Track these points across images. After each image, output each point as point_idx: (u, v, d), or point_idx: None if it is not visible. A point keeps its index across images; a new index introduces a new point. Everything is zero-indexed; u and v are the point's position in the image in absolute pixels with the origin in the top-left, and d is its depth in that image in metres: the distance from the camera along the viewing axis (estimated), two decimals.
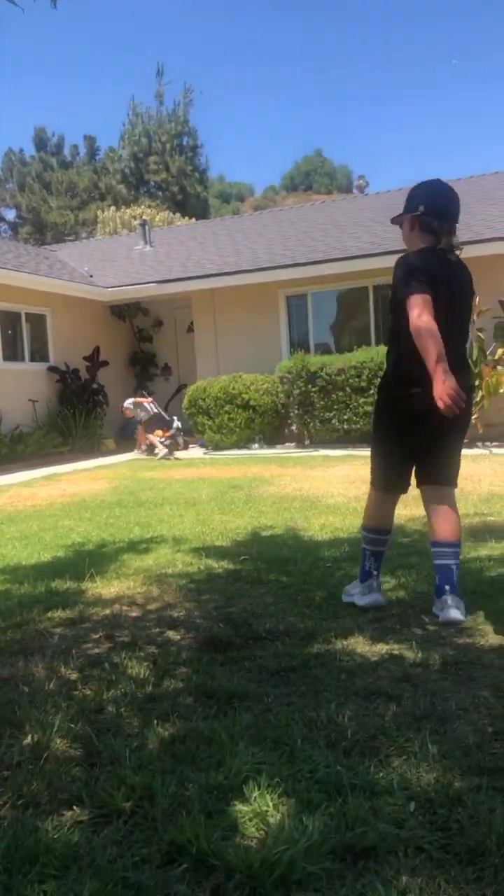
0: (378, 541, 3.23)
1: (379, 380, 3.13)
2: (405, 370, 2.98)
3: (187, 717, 2.18)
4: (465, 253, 3.19)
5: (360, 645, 2.77)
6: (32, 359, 12.74)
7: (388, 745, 1.97)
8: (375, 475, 3.26)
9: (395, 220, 3.19)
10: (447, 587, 2.98)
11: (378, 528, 3.23)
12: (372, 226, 13.37)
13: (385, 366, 3.22)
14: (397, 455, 3.15)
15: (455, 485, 3.17)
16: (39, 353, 12.95)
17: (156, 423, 11.73)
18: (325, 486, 6.95)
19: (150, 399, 12.49)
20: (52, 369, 12.91)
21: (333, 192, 52.12)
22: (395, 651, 2.69)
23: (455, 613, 2.91)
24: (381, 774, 1.82)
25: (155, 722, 2.15)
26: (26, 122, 72.85)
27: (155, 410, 12.04)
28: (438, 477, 3.13)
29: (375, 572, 3.21)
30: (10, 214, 34.46)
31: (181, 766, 1.89)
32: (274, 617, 3.14)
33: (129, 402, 12.28)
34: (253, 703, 2.28)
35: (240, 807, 1.70)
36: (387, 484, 3.21)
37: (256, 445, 11.84)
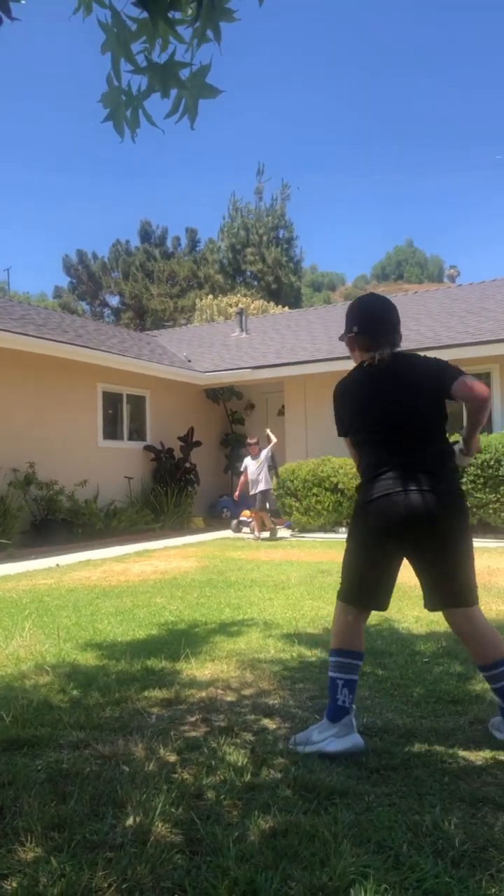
0: (352, 666, 2.75)
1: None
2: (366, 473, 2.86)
3: (287, 811, 2.15)
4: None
5: (464, 747, 2.67)
6: (130, 437, 13.25)
7: (499, 859, 1.88)
8: (344, 585, 2.88)
9: (340, 339, 3.13)
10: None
11: (354, 651, 2.77)
12: (465, 315, 13.45)
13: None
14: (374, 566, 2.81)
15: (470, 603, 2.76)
16: (137, 433, 13.46)
17: (261, 497, 11.46)
18: (412, 577, 6.78)
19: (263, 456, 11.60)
20: (148, 448, 13.37)
21: (424, 282, 52.80)
22: (502, 756, 2.57)
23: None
24: (493, 890, 1.73)
25: (255, 813, 2.13)
26: (134, 216, 78.11)
27: (266, 486, 11.49)
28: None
29: (351, 706, 2.70)
30: (114, 301, 36.58)
31: (284, 862, 1.86)
32: (371, 712, 3.07)
33: (254, 467, 11.41)
34: (353, 801, 2.23)
35: None
36: (366, 598, 2.83)
37: (343, 529, 11.74)
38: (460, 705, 3.15)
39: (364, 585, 2.82)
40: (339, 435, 3.09)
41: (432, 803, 2.20)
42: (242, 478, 11.74)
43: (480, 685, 3.40)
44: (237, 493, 11.94)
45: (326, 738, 2.62)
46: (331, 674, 2.76)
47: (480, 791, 2.29)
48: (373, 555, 2.78)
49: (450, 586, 2.75)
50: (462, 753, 2.62)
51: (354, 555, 2.86)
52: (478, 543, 9.26)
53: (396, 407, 2.77)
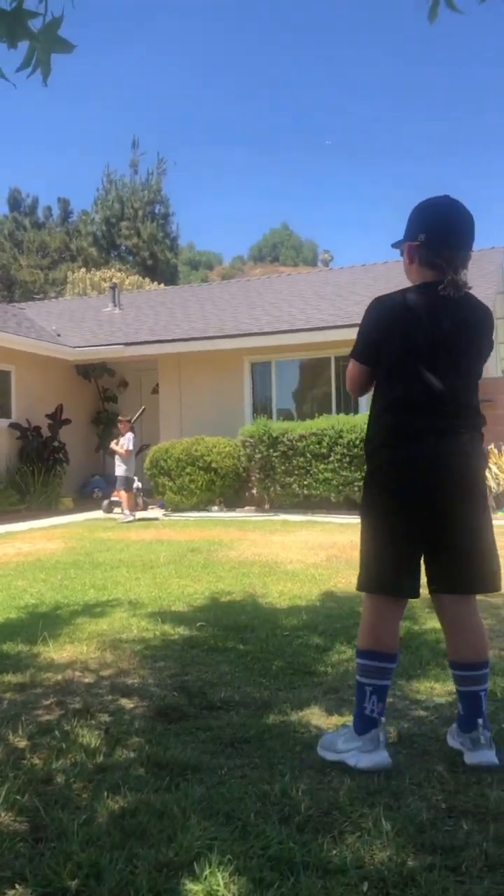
0: (384, 671, 2.34)
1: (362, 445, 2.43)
2: (391, 420, 2.38)
3: (138, 789, 2.13)
4: None
5: (317, 717, 2.75)
6: None
7: (341, 821, 1.95)
8: (378, 574, 2.38)
9: (395, 245, 2.57)
10: (479, 721, 2.32)
11: (384, 653, 2.34)
12: (336, 299, 13.81)
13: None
14: (404, 540, 2.35)
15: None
16: (1, 409, 12.86)
17: (122, 482, 11.32)
18: (284, 552, 6.95)
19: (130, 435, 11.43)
20: (13, 426, 12.82)
21: (299, 265, 53.80)
22: (351, 723, 2.67)
23: (489, 755, 2.28)
24: (334, 852, 1.79)
25: (105, 794, 2.09)
26: (1, 183, 74.37)
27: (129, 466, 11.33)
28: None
29: (381, 718, 2.32)
30: None
31: (131, 841, 1.84)
32: (230, 686, 3.10)
33: (129, 440, 11.28)
34: (206, 776, 2.24)
35: (190, 885, 1.65)
36: (398, 584, 2.36)
37: (216, 508, 11.82)
38: (316, 676, 3.24)
39: (397, 567, 2.35)
40: (361, 361, 2.51)
41: (282, 772, 2.25)
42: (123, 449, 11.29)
43: (336, 656, 3.52)
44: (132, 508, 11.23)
45: (351, 750, 2.30)
46: (358, 678, 2.37)
47: None
48: (404, 527, 2.33)
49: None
50: (315, 722, 2.70)
51: (381, 530, 2.37)
52: (346, 519, 9.61)
53: (459, 355, 2.34)
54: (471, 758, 2.29)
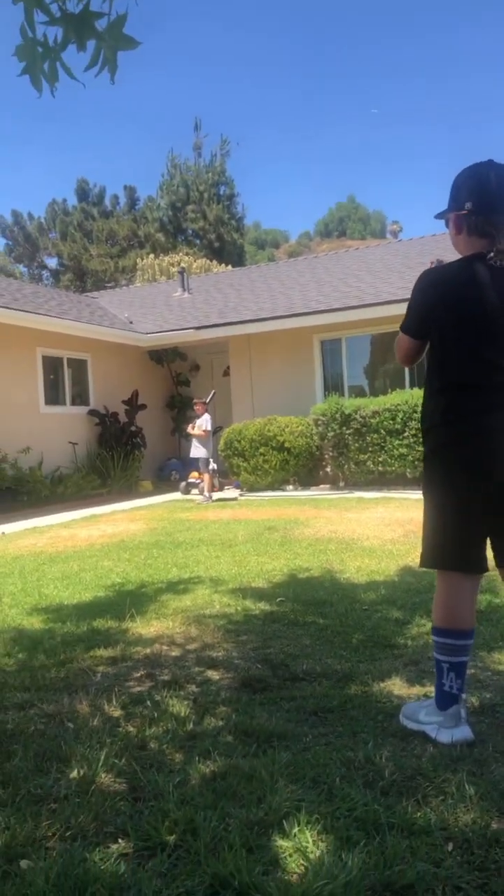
0: (460, 648, 2.34)
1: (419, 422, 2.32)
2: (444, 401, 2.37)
3: (228, 755, 2.24)
4: None
5: (398, 687, 2.80)
6: (73, 402, 13.07)
7: (425, 786, 2.00)
8: (434, 552, 2.41)
9: (439, 216, 2.52)
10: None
11: (458, 630, 2.34)
12: (404, 271, 13.55)
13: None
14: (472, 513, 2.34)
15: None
16: (80, 397, 13.28)
17: (202, 464, 11.56)
18: (360, 529, 6.97)
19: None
20: (91, 413, 13.22)
21: (367, 238, 52.82)
22: (432, 693, 2.71)
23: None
24: (418, 814, 1.85)
25: (196, 759, 2.21)
26: (70, 173, 75.75)
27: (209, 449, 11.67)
28: None
29: (461, 694, 2.33)
30: (53, 262, 35.62)
31: (223, 802, 1.94)
32: (311, 658, 3.18)
33: (207, 421, 11.56)
34: (291, 743, 2.32)
35: (280, 842, 1.74)
36: (465, 559, 2.35)
37: (291, 487, 11.90)
38: (397, 649, 3.29)
39: (464, 542, 2.35)
40: (410, 335, 2.48)
41: (365, 740, 2.31)
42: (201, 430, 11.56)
43: (416, 629, 3.55)
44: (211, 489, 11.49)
45: (433, 724, 2.33)
46: (435, 655, 2.38)
47: None
48: (468, 502, 2.32)
49: None
50: (397, 692, 2.75)
51: (446, 506, 2.37)
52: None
53: None
54: (454, 737, 2.29)
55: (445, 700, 2.33)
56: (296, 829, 1.78)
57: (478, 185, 2.34)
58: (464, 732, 2.29)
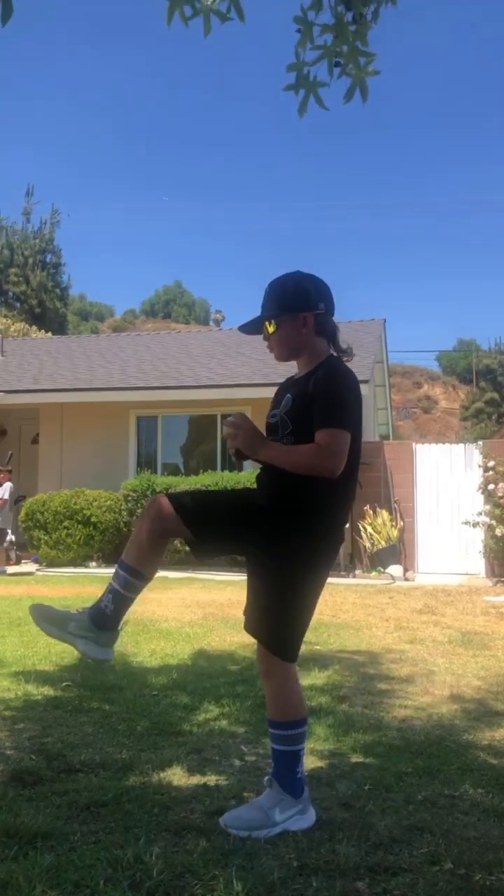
0: (306, 734, 2.45)
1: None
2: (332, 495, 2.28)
3: None
4: None
5: (178, 777, 2.72)
6: None
7: (193, 884, 1.93)
8: (295, 644, 2.35)
9: (272, 316, 2.39)
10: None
11: (306, 717, 2.43)
12: (223, 359, 14.11)
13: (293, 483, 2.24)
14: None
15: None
16: None
17: None
18: (159, 610, 6.86)
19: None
20: None
21: (191, 323, 54.59)
22: (212, 783, 2.66)
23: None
24: None
25: None
26: None
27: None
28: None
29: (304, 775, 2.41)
30: None
31: None
32: (91, 747, 3.01)
33: (5, 490, 11.28)
34: (57, 843, 2.15)
35: None
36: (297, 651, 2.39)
37: (94, 564, 11.54)
38: (182, 736, 3.21)
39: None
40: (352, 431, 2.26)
41: (137, 836, 2.20)
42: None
43: (203, 715, 3.51)
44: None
45: (292, 817, 2.29)
46: (286, 748, 2.34)
47: (187, 819, 2.34)
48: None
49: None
50: (175, 783, 2.66)
51: (315, 596, 2.35)
52: (227, 577, 9.59)
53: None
54: (304, 824, 2.32)
55: (299, 787, 2.34)
56: None
57: (325, 290, 2.40)
58: (313, 814, 2.36)
